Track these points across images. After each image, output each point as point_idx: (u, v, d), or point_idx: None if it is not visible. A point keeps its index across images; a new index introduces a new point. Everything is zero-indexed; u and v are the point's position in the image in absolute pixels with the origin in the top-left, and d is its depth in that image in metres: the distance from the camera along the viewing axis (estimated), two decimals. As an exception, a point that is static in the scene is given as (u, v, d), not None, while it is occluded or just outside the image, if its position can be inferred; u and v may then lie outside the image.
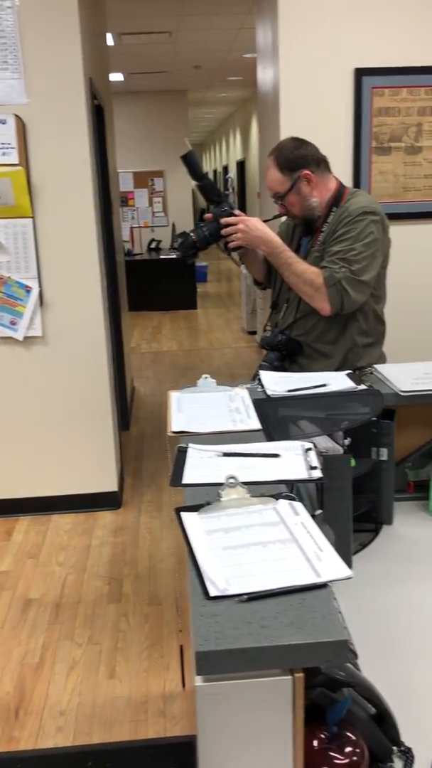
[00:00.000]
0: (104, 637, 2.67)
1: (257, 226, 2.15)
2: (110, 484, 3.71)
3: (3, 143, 3.21)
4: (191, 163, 2.06)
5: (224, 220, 2.13)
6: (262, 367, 2.17)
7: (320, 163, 2.19)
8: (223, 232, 2.14)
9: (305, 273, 2.12)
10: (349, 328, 2.19)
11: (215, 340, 7.93)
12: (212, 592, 0.95)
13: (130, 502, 3.81)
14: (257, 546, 1.07)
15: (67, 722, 2.24)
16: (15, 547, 3.36)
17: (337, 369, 2.09)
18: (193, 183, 2.16)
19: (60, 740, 2.17)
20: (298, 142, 2.21)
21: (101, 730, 2.20)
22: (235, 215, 2.14)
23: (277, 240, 2.17)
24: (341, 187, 2.22)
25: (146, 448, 4.59)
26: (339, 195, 2.19)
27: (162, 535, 3.44)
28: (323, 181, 2.19)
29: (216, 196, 2.14)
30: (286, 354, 2.25)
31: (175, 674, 2.43)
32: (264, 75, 3.66)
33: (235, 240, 2.14)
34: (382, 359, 2.26)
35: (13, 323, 3.44)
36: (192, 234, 2.13)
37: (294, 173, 2.15)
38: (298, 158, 2.16)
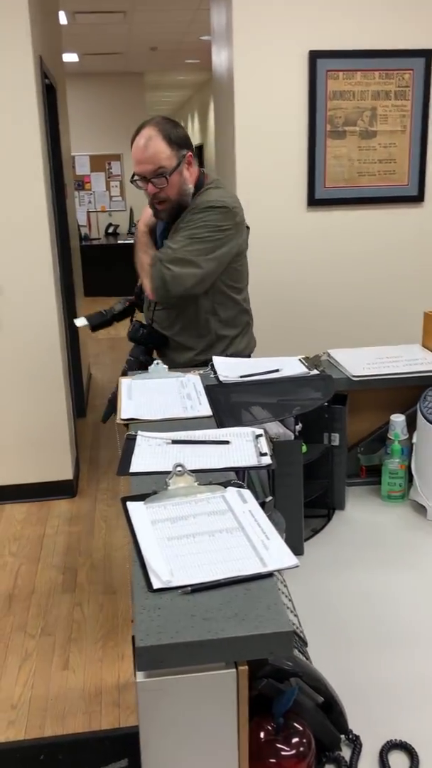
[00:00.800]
0: (58, 628, 2.63)
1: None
2: (65, 473, 3.65)
3: None
4: (100, 325, 2.29)
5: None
6: (128, 363, 2.11)
7: (194, 149, 2.10)
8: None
9: (142, 260, 2.11)
10: (209, 320, 2.14)
11: (174, 326, 7.86)
12: (155, 585, 0.93)
13: (86, 491, 3.76)
14: (203, 535, 1.04)
15: (19, 716, 2.20)
16: (-33, 539, 3.29)
17: (205, 361, 1.98)
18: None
19: (12, 734, 2.13)
20: (176, 122, 2.10)
21: (54, 723, 2.17)
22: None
23: (139, 235, 2.20)
24: (201, 175, 2.11)
25: (103, 435, 4.53)
26: (200, 184, 2.09)
27: (118, 523, 3.40)
28: (195, 169, 2.10)
29: (121, 315, 2.31)
30: (152, 347, 2.21)
31: (129, 664, 2.41)
32: (218, 58, 3.60)
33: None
34: (249, 348, 2.23)
35: (-38, 309, 3.34)
36: (104, 313, 2.30)
37: (181, 150, 2.02)
38: (185, 137, 2.05)
